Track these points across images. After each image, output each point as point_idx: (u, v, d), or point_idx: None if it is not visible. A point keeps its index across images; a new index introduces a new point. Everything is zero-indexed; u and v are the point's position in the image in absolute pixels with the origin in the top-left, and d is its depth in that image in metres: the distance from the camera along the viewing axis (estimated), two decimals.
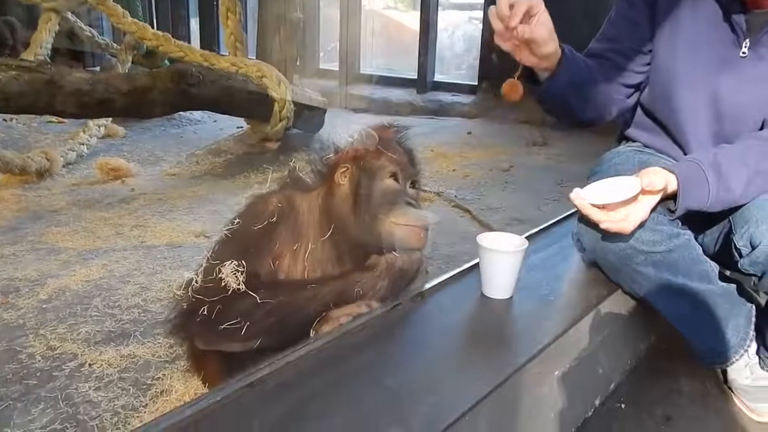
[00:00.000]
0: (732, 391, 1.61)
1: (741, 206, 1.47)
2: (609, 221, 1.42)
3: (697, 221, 1.59)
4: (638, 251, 1.49)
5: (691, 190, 1.41)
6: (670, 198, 1.44)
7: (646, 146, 1.73)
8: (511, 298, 1.54)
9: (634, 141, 1.76)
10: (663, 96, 1.62)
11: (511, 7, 1.34)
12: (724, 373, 1.62)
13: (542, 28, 1.38)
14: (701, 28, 1.52)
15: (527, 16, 1.36)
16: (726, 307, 1.53)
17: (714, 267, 1.57)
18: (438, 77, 5.83)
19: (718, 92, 1.52)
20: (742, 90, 1.50)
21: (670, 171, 1.41)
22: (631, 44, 1.62)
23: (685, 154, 1.58)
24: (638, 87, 1.67)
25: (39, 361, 1.83)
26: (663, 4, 1.58)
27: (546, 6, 1.36)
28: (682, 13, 1.55)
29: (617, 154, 1.73)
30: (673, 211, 1.45)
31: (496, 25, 1.38)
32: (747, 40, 1.48)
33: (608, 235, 1.48)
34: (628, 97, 1.68)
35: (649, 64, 1.64)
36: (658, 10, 1.58)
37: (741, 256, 1.44)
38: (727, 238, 1.51)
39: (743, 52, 1.49)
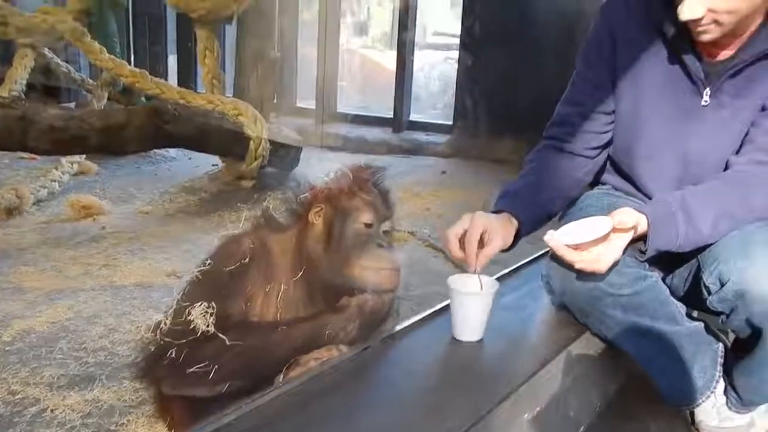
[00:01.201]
0: None
1: (709, 245, 1.50)
2: (582, 261, 1.43)
3: (666, 262, 1.62)
4: (606, 293, 1.50)
5: (661, 230, 1.43)
6: (640, 239, 1.47)
7: (615, 189, 1.76)
8: (481, 340, 1.54)
9: (604, 184, 1.80)
10: (628, 146, 1.66)
11: (461, 243, 1.51)
12: (692, 414, 1.63)
13: (495, 244, 1.52)
14: (662, 80, 1.57)
15: (480, 242, 1.50)
16: (692, 349, 1.54)
17: (681, 308, 1.59)
18: (414, 116, 5.88)
19: (683, 141, 1.56)
20: (706, 138, 1.54)
21: (639, 212, 1.44)
22: (595, 106, 1.67)
23: (650, 198, 1.61)
24: (606, 146, 1.71)
25: None
26: (622, 61, 1.62)
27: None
28: (641, 68, 1.59)
29: (587, 197, 1.76)
30: (643, 252, 1.47)
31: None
32: (708, 89, 1.52)
33: (581, 276, 1.50)
34: (598, 156, 1.72)
35: (614, 122, 1.68)
36: (618, 67, 1.63)
37: (710, 293, 1.47)
38: (696, 277, 1.54)
39: (705, 101, 1.53)
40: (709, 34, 1.41)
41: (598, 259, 1.43)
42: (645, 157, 1.63)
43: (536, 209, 1.63)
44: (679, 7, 1.38)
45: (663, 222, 1.44)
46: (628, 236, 1.44)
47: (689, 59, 1.51)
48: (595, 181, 1.83)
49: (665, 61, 1.56)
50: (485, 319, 1.53)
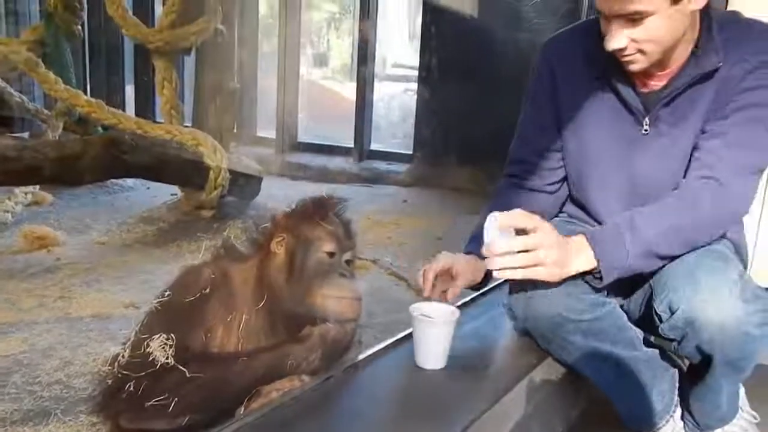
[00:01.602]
0: None
1: (662, 271, 1.53)
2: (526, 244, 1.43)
3: (622, 287, 1.65)
4: (567, 320, 1.53)
5: (607, 246, 1.46)
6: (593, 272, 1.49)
7: (571, 217, 1.80)
8: (444, 368, 1.54)
9: (563, 212, 1.83)
10: (579, 178, 1.71)
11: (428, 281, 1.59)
12: None
13: (464, 277, 1.60)
14: (603, 113, 1.62)
15: (448, 275, 1.59)
16: (650, 374, 1.57)
17: (639, 333, 1.62)
18: (374, 146, 5.92)
19: (630, 171, 1.61)
20: (651, 164, 1.59)
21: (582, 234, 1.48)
22: (547, 144, 1.72)
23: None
24: (564, 179, 1.76)
25: None
26: (564, 98, 1.67)
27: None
28: (583, 103, 1.64)
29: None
30: (599, 278, 1.48)
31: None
32: (646, 119, 1.57)
33: (543, 295, 1.52)
34: (558, 191, 1.76)
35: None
36: (561, 104, 1.68)
37: (661, 321, 1.49)
38: (649, 304, 1.57)
39: (645, 130, 1.58)
40: (636, 63, 1.47)
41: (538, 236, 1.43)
42: (596, 187, 1.68)
43: None
44: (605, 39, 1.45)
45: (608, 239, 1.46)
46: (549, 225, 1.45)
47: (625, 91, 1.57)
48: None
49: (604, 94, 1.61)
50: (447, 346, 1.53)
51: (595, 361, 1.57)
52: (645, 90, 1.57)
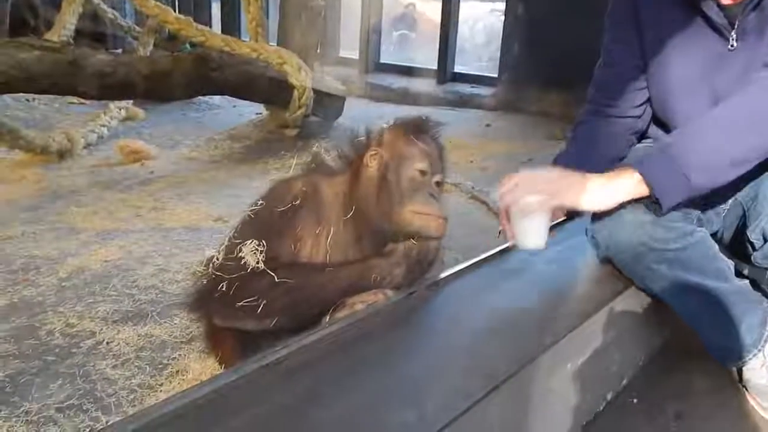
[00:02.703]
0: (746, 390, 1.61)
1: (757, 197, 1.46)
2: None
3: (713, 216, 1.59)
4: (651, 249, 1.48)
5: (655, 168, 1.39)
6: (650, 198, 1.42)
7: (657, 141, 1.73)
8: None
9: (648, 137, 1.77)
10: (663, 100, 1.63)
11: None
12: (739, 371, 1.61)
13: None
14: (686, 34, 1.52)
15: None
16: (740, 307, 1.52)
17: (730, 265, 1.56)
18: (458, 68, 5.80)
19: (717, 89, 1.51)
20: (738, 81, 1.48)
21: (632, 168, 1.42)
22: (630, 64, 1.64)
23: None
24: (647, 101, 1.68)
25: (57, 337, 1.87)
26: (645, 18, 1.58)
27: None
28: (664, 26, 1.55)
29: (635, 151, 1.73)
30: (657, 203, 1.41)
31: None
32: (733, 33, 1.47)
33: (627, 227, 1.47)
34: (643, 114, 1.69)
35: None
36: (642, 24, 1.59)
37: (754, 249, 1.45)
38: (743, 231, 1.51)
39: (732, 45, 1.48)
40: None
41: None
42: (681, 110, 1.59)
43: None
44: None
45: (658, 162, 1.39)
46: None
47: (708, 6, 1.46)
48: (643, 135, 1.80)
49: (686, 12, 1.51)
50: (546, 225, 1.49)
51: (681, 291, 1.53)
52: (729, 2, 1.46)
